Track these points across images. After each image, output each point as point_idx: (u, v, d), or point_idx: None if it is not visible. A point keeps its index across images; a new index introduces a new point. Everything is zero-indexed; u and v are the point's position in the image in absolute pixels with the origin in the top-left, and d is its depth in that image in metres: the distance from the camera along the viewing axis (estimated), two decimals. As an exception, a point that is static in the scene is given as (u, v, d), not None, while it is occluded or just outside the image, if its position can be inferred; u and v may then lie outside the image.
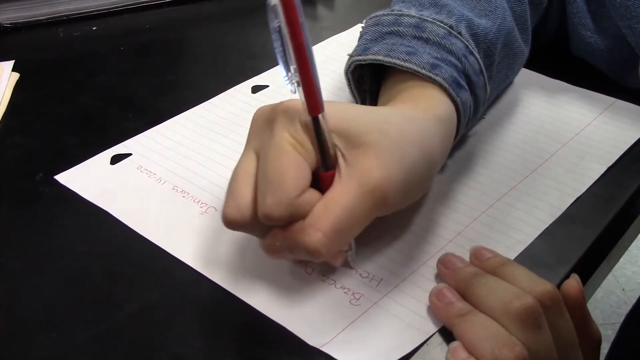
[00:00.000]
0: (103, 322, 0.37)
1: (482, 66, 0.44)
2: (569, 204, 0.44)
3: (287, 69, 0.34)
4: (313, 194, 0.35)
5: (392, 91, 0.43)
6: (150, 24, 0.68)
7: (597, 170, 0.47)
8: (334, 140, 0.35)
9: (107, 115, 0.55)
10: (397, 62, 0.42)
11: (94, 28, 0.68)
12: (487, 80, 0.45)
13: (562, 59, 0.59)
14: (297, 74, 0.33)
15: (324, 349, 0.35)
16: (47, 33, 0.67)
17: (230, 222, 0.35)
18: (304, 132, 0.35)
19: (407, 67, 0.41)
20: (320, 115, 0.34)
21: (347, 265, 0.39)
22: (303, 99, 0.34)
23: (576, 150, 0.49)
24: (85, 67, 0.62)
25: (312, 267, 0.39)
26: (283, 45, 0.33)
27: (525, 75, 0.57)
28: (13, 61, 0.61)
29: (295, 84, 0.34)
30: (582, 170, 0.47)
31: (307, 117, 0.34)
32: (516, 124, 0.52)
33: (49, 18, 0.68)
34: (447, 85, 0.41)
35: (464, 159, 0.48)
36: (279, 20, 0.32)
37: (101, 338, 0.36)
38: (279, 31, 0.33)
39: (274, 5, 0.32)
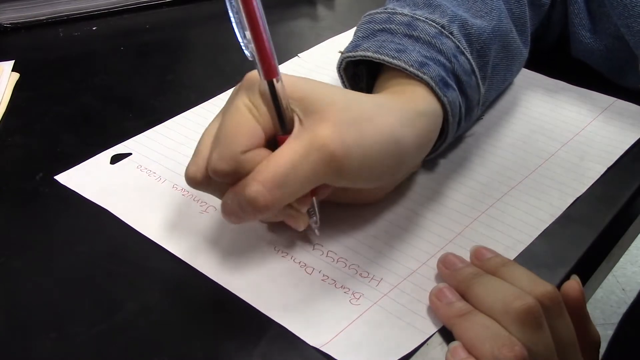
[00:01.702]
0: (103, 322, 0.37)
1: (475, 66, 0.44)
2: (569, 204, 0.44)
3: (243, 35, 0.35)
4: (262, 152, 0.36)
5: (381, 87, 0.43)
6: (150, 24, 0.68)
7: (597, 170, 0.47)
8: (293, 106, 0.36)
9: (107, 115, 0.55)
10: (386, 58, 0.42)
11: (94, 28, 0.68)
12: (480, 81, 0.45)
13: (562, 59, 0.59)
14: (252, 40, 0.34)
15: (324, 349, 0.35)
16: (47, 33, 0.67)
17: (189, 179, 0.38)
18: (261, 97, 0.36)
19: (396, 65, 0.42)
20: (275, 80, 0.35)
21: (310, 230, 0.40)
22: (258, 64, 0.35)
23: (576, 150, 0.49)
24: (85, 67, 0.62)
25: (312, 267, 0.39)
26: (237, 13, 0.34)
27: (525, 75, 0.57)
28: (13, 61, 0.61)
29: (251, 50, 0.35)
30: (582, 170, 0.47)
31: (262, 82, 0.35)
32: (516, 124, 0.52)
33: (49, 18, 0.68)
34: (433, 84, 0.41)
35: (464, 159, 0.48)
36: None
37: (101, 338, 0.36)
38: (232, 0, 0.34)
39: None
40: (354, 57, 0.44)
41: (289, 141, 0.35)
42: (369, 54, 0.43)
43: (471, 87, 0.44)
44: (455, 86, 0.43)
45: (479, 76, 0.45)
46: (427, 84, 0.41)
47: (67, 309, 0.38)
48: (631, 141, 0.49)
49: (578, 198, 0.44)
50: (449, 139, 0.44)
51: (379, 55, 0.42)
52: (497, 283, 0.35)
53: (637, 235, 0.50)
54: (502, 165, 0.47)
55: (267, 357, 0.35)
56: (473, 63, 0.44)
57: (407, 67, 0.41)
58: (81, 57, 0.64)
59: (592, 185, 0.45)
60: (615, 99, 0.54)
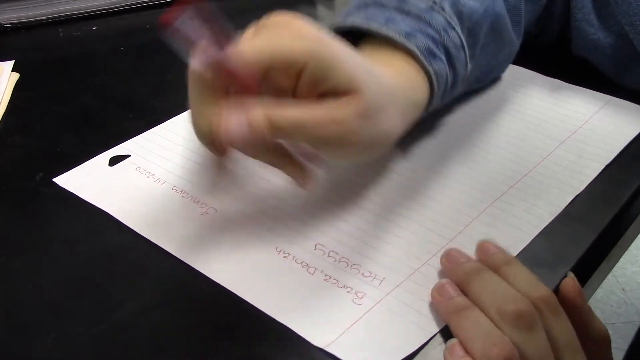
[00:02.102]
0: (103, 322, 0.37)
1: (465, 43, 0.45)
2: (568, 202, 0.44)
3: None
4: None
5: (368, 57, 0.43)
6: (150, 24, 0.68)
7: (595, 168, 0.47)
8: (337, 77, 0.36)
9: (107, 115, 0.55)
10: (374, 26, 0.43)
11: (94, 28, 0.68)
12: (468, 58, 0.46)
13: (559, 57, 0.59)
14: None
15: (329, 349, 0.35)
16: (47, 33, 0.67)
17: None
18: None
19: (383, 34, 0.42)
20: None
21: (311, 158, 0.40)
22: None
23: (574, 149, 0.49)
24: (85, 67, 0.62)
25: (314, 267, 0.39)
26: None
27: (521, 74, 0.57)
28: (13, 61, 0.61)
29: None
30: (580, 168, 0.47)
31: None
32: (513, 123, 0.52)
33: (49, 18, 0.68)
34: (419, 53, 0.42)
35: (463, 158, 0.48)
36: None
37: (101, 338, 0.36)
38: None
39: None
40: (344, 26, 0.45)
41: (318, 102, 0.36)
42: (358, 22, 0.44)
43: (460, 62, 0.45)
44: (444, 58, 0.43)
45: (467, 53, 0.45)
46: (412, 55, 0.42)
47: (67, 309, 0.38)
48: (628, 139, 0.50)
49: (578, 197, 0.44)
50: (430, 108, 0.45)
51: (368, 24, 0.43)
52: (496, 282, 0.35)
53: (637, 235, 0.50)
54: (501, 164, 0.47)
55: (270, 358, 0.35)
56: (463, 39, 0.45)
57: (394, 35, 0.42)
58: (81, 57, 0.64)
59: (592, 184, 0.45)
60: (611, 97, 0.54)
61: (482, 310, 0.34)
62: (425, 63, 0.42)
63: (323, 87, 0.36)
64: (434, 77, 0.42)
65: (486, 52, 0.49)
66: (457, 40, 0.44)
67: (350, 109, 0.36)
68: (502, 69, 0.56)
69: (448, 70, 0.44)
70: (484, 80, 0.54)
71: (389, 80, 0.41)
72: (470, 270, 0.37)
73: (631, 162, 0.48)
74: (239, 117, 0.34)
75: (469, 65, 0.46)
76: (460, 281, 0.37)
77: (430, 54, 0.42)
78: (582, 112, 0.53)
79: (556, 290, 0.38)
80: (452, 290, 0.36)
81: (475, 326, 0.34)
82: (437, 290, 0.36)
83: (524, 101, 0.54)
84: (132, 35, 0.67)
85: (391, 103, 0.39)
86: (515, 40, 0.52)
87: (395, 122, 0.40)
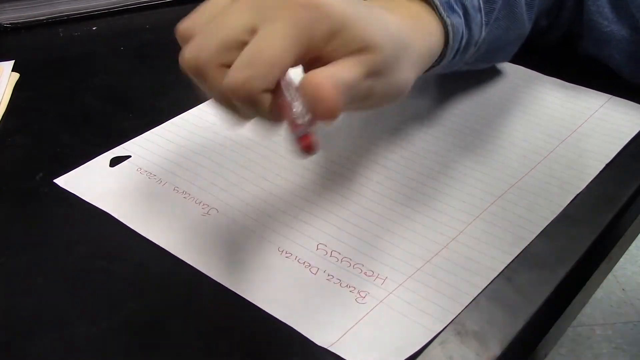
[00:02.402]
0: (103, 322, 0.37)
1: (482, 5, 0.45)
2: (569, 201, 0.44)
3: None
4: None
5: (379, 2, 0.42)
6: (150, 24, 0.68)
7: (595, 167, 0.47)
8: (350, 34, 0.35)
9: (107, 115, 0.55)
10: None
11: (94, 28, 0.68)
12: (484, 22, 0.45)
13: (558, 56, 0.59)
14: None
15: (332, 349, 0.35)
16: (47, 33, 0.67)
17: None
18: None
19: None
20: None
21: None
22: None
23: (574, 147, 0.49)
24: (85, 67, 0.62)
25: (316, 267, 0.39)
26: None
27: (521, 73, 0.57)
28: (13, 61, 0.61)
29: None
30: (581, 167, 0.47)
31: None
32: (514, 122, 0.52)
33: (49, 18, 0.68)
34: (437, 3, 0.41)
35: (464, 158, 0.48)
36: None
37: (101, 338, 0.36)
38: None
39: None
40: None
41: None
42: None
43: (476, 24, 0.45)
44: (461, 14, 0.43)
45: (484, 18, 0.45)
46: (431, 5, 0.42)
47: (67, 309, 0.38)
48: (628, 137, 0.50)
49: (578, 197, 0.44)
50: (439, 67, 0.45)
51: None
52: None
53: (637, 235, 0.50)
54: (502, 162, 0.47)
55: (270, 357, 0.35)
56: (481, 2, 0.45)
57: None
58: (81, 57, 0.64)
59: (592, 184, 0.45)
60: (611, 96, 0.54)
61: None
62: (444, 14, 0.41)
63: (336, 48, 0.35)
64: (450, 29, 0.42)
65: (499, 25, 0.49)
66: (476, 2, 0.45)
67: (364, 67, 0.35)
68: (510, 53, 0.55)
69: (464, 28, 0.44)
70: (492, 59, 0.54)
71: (402, 29, 0.40)
72: None
73: (631, 161, 0.48)
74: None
75: (483, 32, 0.46)
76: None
77: (449, 7, 0.42)
78: (582, 111, 0.53)
79: (556, 291, 0.38)
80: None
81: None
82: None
83: (524, 100, 0.54)
84: (132, 35, 0.67)
85: (405, 54, 0.39)
86: (526, 22, 0.52)
87: (408, 73, 0.39)
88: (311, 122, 0.34)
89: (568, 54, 0.59)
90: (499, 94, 0.55)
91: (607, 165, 0.47)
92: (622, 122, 0.51)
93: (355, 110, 0.43)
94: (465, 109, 0.53)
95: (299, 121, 0.34)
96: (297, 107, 0.34)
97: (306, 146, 0.34)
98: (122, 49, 0.64)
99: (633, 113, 0.52)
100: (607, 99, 0.54)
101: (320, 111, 0.33)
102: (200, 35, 0.35)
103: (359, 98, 0.37)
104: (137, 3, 0.70)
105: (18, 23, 0.67)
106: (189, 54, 0.35)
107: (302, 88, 0.33)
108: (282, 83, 0.34)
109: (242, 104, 0.34)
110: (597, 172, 0.46)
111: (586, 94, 0.55)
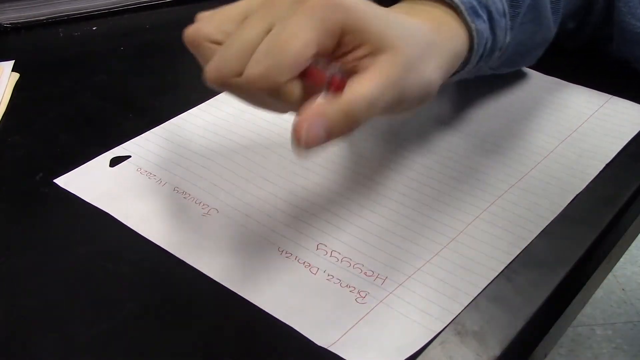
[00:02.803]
0: (103, 322, 0.37)
1: (507, 10, 0.45)
2: (569, 201, 0.44)
3: None
4: None
5: (407, 8, 0.43)
6: (150, 24, 0.68)
7: (595, 166, 0.47)
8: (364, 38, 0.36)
9: (107, 116, 0.55)
10: None
11: (94, 28, 0.68)
12: (508, 27, 0.45)
13: (557, 55, 0.59)
14: None
15: (332, 349, 0.35)
16: (47, 33, 0.67)
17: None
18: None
19: None
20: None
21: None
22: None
23: (574, 147, 0.49)
24: (85, 67, 0.62)
25: (316, 267, 0.39)
26: None
27: (521, 73, 0.57)
28: (13, 61, 0.61)
29: None
30: (581, 167, 0.47)
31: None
32: (513, 121, 0.52)
33: (49, 18, 0.68)
34: (463, 9, 0.41)
35: (464, 158, 0.48)
36: None
37: (101, 338, 0.36)
38: None
39: None
40: None
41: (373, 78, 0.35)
42: None
43: (500, 29, 0.45)
44: (486, 19, 0.43)
45: (509, 23, 0.45)
46: (455, 10, 0.41)
47: (67, 309, 0.38)
48: (628, 137, 0.50)
49: (578, 197, 0.44)
50: (464, 72, 0.45)
51: None
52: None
53: (637, 235, 0.50)
54: (502, 162, 0.47)
55: (271, 357, 0.35)
56: (506, 7, 0.45)
57: None
58: (81, 57, 0.64)
59: (592, 184, 0.45)
60: (611, 95, 0.54)
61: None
62: (468, 19, 0.41)
63: (357, 52, 0.36)
64: (474, 34, 0.42)
65: (524, 29, 0.48)
66: (500, 7, 0.44)
67: (390, 66, 0.35)
68: (535, 57, 0.55)
69: (489, 33, 0.43)
70: (517, 63, 0.53)
71: (426, 31, 0.40)
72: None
73: (631, 161, 0.48)
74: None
75: (508, 37, 0.46)
76: None
77: (474, 12, 0.42)
78: (582, 111, 0.53)
79: (556, 291, 0.38)
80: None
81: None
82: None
83: (524, 100, 0.54)
84: (132, 35, 0.67)
85: (429, 53, 0.39)
86: (552, 26, 0.52)
87: (434, 72, 0.39)
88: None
89: (567, 53, 0.59)
90: (498, 94, 0.55)
91: (607, 165, 0.47)
92: (622, 122, 0.51)
93: (389, 116, 0.43)
94: (463, 109, 0.53)
95: (338, 76, 0.35)
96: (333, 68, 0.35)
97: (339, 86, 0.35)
98: (122, 49, 0.64)
99: (633, 113, 0.52)
100: (607, 99, 0.54)
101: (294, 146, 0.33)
102: (221, 52, 0.35)
103: (391, 103, 0.36)
104: (137, 3, 0.70)
105: (18, 23, 0.67)
106: (211, 72, 0.35)
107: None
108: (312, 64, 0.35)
109: (268, 96, 0.34)
110: (597, 172, 0.46)
111: (586, 94, 0.55)
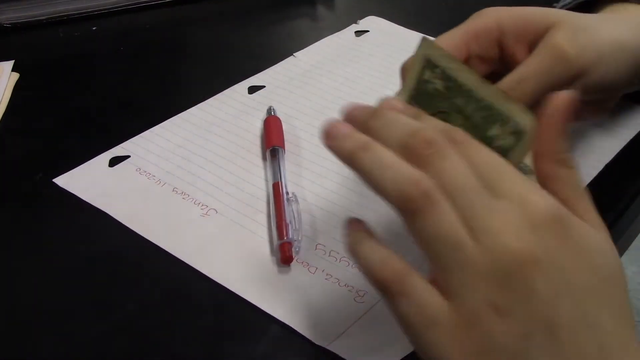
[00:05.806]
0: (103, 322, 0.37)
1: None
2: (569, 201, 0.44)
3: None
4: None
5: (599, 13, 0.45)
6: (150, 24, 0.68)
7: (595, 167, 0.47)
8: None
9: (107, 116, 0.55)
10: None
11: (94, 28, 0.68)
12: None
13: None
14: None
15: (330, 348, 0.35)
16: (47, 33, 0.67)
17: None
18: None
19: None
20: None
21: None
22: None
23: (574, 147, 0.49)
24: (85, 67, 0.62)
25: (315, 267, 0.39)
26: None
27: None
28: (13, 61, 0.61)
29: None
30: (581, 167, 0.47)
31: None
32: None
33: (49, 18, 0.68)
34: None
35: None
36: None
37: (101, 338, 0.36)
38: None
39: None
40: None
41: (532, 56, 0.38)
42: None
43: None
44: None
45: None
46: None
47: (67, 309, 0.38)
48: (627, 138, 0.50)
49: (578, 198, 0.44)
50: None
51: None
52: (397, 117, 0.31)
53: (637, 235, 0.50)
54: (502, 165, 0.47)
55: (270, 357, 0.35)
56: None
57: None
58: (81, 57, 0.64)
59: (592, 185, 0.45)
60: None
61: (384, 146, 0.30)
62: None
63: (527, 37, 0.38)
64: None
65: None
66: None
67: (558, 37, 0.38)
68: None
69: None
70: None
71: (614, 32, 0.41)
72: (366, 112, 0.32)
73: (631, 162, 0.48)
74: None
75: None
76: (356, 122, 0.32)
77: None
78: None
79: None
80: (346, 128, 0.31)
81: (380, 162, 0.29)
82: (328, 132, 0.31)
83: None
84: (132, 35, 0.67)
85: (608, 22, 0.40)
86: None
87: (619, 72, 0.40)
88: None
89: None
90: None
91: (607, 165, 0.47)
92: (622, 122, 0.51)
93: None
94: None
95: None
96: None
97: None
98: (122, 49, 0.64)
99: (633, 113, 0.52)
100: None
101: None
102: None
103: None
104: (137, 3, 0.70)
105: (18, 23, 0.67)
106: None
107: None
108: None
109: None
110: (597, 172, 0.46)
111: None
